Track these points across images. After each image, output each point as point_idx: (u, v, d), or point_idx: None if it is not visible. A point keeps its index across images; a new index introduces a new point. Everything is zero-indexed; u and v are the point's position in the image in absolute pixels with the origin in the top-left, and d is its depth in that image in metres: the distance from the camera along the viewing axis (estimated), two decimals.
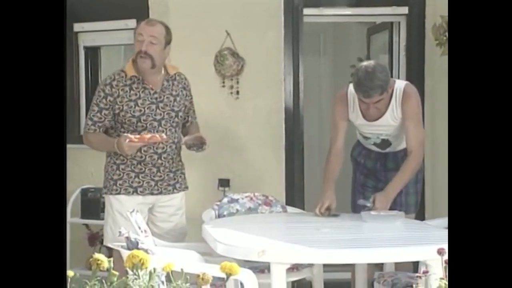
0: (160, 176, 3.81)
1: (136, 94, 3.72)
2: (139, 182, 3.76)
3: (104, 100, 3.70)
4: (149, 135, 3.60)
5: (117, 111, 3.70)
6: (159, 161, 3.79)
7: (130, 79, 3.72)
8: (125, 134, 3.62)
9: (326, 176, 3.91)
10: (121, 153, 3.66)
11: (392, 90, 3.77)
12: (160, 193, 3.83)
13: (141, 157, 3.74)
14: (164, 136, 3.65)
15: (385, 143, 3.97)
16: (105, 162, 3.84)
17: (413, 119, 3.79)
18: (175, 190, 3.90)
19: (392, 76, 5.40)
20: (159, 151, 3.77)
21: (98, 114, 3.72)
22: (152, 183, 3.79)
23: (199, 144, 3.84)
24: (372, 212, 3.61)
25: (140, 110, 3.71)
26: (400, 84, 3.86)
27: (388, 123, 3.82)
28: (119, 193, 3.75)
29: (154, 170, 3.79)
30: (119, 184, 3.75)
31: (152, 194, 3.80)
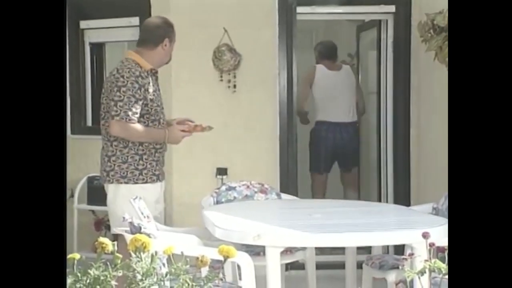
0: (163, 163, 3.83)
1: (153, 86, 3.70)
2: (159, 170, 3.73)
3: (139, 91, 3.58)
4: (199, 124, 3.73)
5: (148, 101, 3.63)
6: (166, 148, 3.81)
7: (147, 72, 3.68)
8: (175, 124, 3.69)
9: None
10: (170, 142, 3.70)
11: None
12: (164, 178, 3.85)
13: (160, 145, 3.72)
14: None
15: None
16: (120, 152, 3.65)
17: None
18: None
19: (380, 71, 5.43)
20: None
21: (136, 105, 3.56)
22: (163, 169, 3.81)
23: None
24: None
25: (159, 100, 3.73)
26: None
27: None
28: (145, 182, 3.65)
29: (163, 157, 3.80)
30: (145, 174, 3.64)
31: (164, 179, 3.82)
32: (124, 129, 3.57)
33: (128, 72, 3.60)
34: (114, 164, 3.65)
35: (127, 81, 3.57)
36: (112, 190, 3.68)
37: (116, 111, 3.54)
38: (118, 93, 3.55)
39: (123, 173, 3.63)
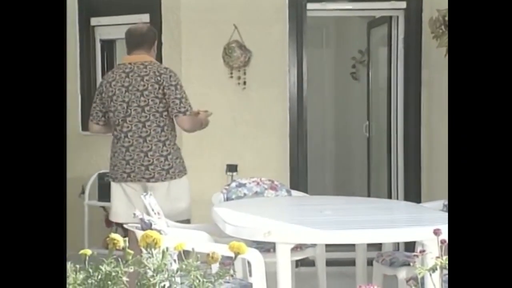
0: None
1: None
2: None
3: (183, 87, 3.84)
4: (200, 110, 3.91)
5: None
6: None
7: None
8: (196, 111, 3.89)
9: None
10: (202, 128, 3.94)
11: None
12: None
13: None
14: None
15: None
16: (172, 150, 3.80)
17: None
18: None
19: (390, 68, 5.43)
20: None
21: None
22: None
23: None
24: None
25: None
26: None
27: None
28: (186, 173, 3.90)
29: None
30: (185, 164, 3.89)
31: None
32: (194, 123, 3.84)
33: (171, 71, 3.82)
34: (172, 162, 3.81)
35: (178, 80, 3.81)
36: (174, 185, 3.81)
37: (185, 107, 3.76)
38: (178, 91, 3.77)
39: (180, 167, 3.85)
